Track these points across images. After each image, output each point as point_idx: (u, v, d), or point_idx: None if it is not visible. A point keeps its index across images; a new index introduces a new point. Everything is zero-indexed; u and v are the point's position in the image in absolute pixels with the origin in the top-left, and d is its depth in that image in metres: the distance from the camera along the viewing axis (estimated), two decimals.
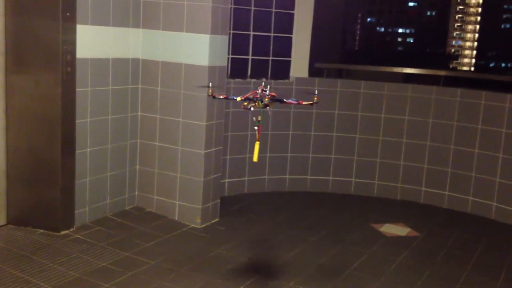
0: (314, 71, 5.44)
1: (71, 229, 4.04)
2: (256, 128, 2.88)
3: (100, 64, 4.11)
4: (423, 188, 5.34)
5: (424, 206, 5.29)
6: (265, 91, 2.80)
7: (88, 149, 4.11)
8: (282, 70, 5.30)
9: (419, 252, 4.17)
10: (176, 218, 4.42)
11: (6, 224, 4.04)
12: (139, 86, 4.46)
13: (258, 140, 2.88)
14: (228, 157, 5.06)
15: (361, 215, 4.94)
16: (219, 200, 4.57)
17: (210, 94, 2.94)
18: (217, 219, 4.51)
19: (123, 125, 4.39)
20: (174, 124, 4.36)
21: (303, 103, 2.84)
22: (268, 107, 2.77)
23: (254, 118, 2.90)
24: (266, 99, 2.76)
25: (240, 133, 5.12)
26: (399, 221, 4.80)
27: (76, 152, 4.01)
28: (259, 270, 3.62)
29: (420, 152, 5.31)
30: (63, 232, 3.98)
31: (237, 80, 5.05)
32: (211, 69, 4.20)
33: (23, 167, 3.99)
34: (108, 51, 4.16)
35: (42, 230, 3.97)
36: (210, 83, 2.99)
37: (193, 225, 4.34)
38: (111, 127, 4.28)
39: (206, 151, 4.28)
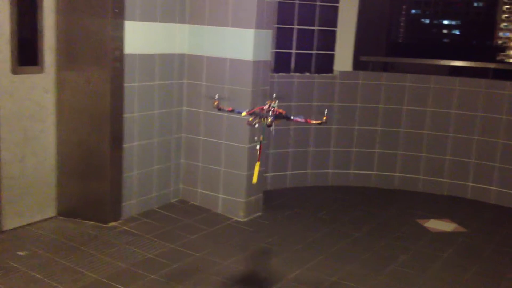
0: (358, 65, 5.38)
1: (119, 221, 4.14)
2: (257, 147, 2.74)
3: (147, 60, 4.19)
4: (471, 184, 5.23)
5: (471, 202, 5.17)
6: (273, 107, 2.62)
7: (135, 143, 4.20)
8: (325, 64, 5.27)
9: (465, 248, 4.09)
10: (220, 211, 4.48)
11: (56, 216, 4.19)
12: (185, 81, 4.53)
13: (258, 160, 2.73)
14: (270, 151, 5.08)
15: (406, 210, 4.88)
16: (262, 194, 4.59)
17: (215, 106, 2.78)
18: (260, 213, 4.54)
19: (168, 120, 4.47)
20: (218, 118, 4.40)
21: (311, 121, 2.72)
22: (271, 127, 2.60)
23: (256, 137, 2.72)
24: (269, 119, 2.58)
25: (282, 127, 5.12)
26: (445, 216, 4.71)
27: (124, 145, 4.11)
28: (302, 264, 3.63)
29: (467, 146, 5.18)
30: (111, 224, 4.09)
31: (281, 74, 5.05)
32: (256, 63, 4.22)
33: (73, 160, 4.11)
34: (155, 46, 4.24)
35: (91, 222, 4.09)
36: (217, 95, 2.81)
37: (236, 219, 4.38)
38: (157, 121, 4.37)
39: (249, 145, 4.31)
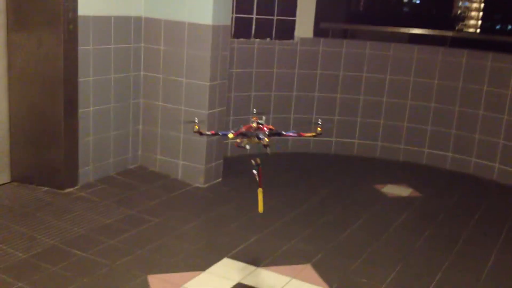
0: (319, 32, 5.37)
1: (75, 187, 4.07)
2: (255, 172, 2.54)
3: (102, 22, 4.05)
4: (426, 150, 5.34)
5: (427, 167, 5.30)
6: (261, 124, 2.40)
7: (91, 108, 4.10)
8: (286, 30, 5.23)
9: (420, 212, 4.20)
10: (179, 178, 4.45)
11: (10, 182, 4.08)
12: (142, 45, 4.42)
13: (260, 187, 2.56)
14: (231, 117, 5.05)
15: (363, 176, 4.96)
16: (222, 161, 4.58)
17: (196, 131, 2.46)
18: (220, 179, 4.54)
19: (125, 85, 4.37)
20: (177, 84, 4.33)
21: (305, 135, 2.53)
22: (267, 148, 2.38)
23: (252, 161, 2.53)
24: (267, 140, 2.35)
25: (243, 93, 5.10)
26: (401, 182, 4.82)
27: (79, 111, 4.00)
28: (262, 229, 3.66)
29: (425, 113, 5.28)
30: (67, 190, 4.01)
31: (241, 39, 4.99)
32: (215, 28, 4.14)
33: (27, 126, 3.99)
34: (111, 8, 4.10)
35: (46, 188, 4.00)
36: (196, 119, 2.48)
37: (196, 185, 4.37)
38: (114, 86, 4.26)
39: (209, 112, 4.27)
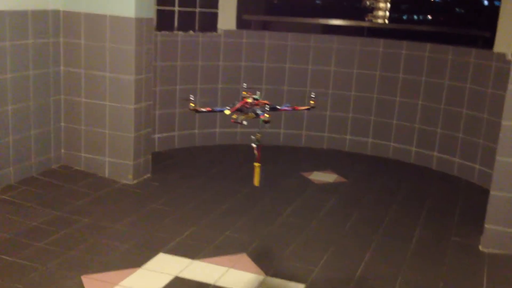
0: (242, 23, 5.40)
1: None
2: (254, 146, 2.54)
3: (18, 16, 3.86)
4: (348, 137, 5.55)
5: (349, 154, 5.51)
6: (257, 99, 2.41)
7: (9, 107, 3.90)
8: (209, 22, 5.23)
9: (347, 197, 4.37)
10: (107, 175, 4.35)
11: None
12: (61, 39, 4.25)
13: (258, 161, 2.57)
14: (157, 111, 4.99)
15: (291, 164, 5.08)
16: (150, 156, 4.52)
17: (192, 108, 2.47)
18: (149, 175, 4.48)
19: (45, 81, 4.20)
20: (100, 79, 4.21)
21: (299, 108, 2.62)
22: (267, 124, 2.38)
23: (252, 136, 2.50)
24: (267, 115, 2.36)
25: (168, 87, 5.04)
26: (326, 168, 4.98)
27: None
28: (195, 222, 3.67)
29: (345, 101, 5.48)
30: None
31: (163, 32, 4.93)
32: (138, 21, 4.07)
33: None
34: (27, 2, 3.92)
35: None
36: (191, 96, 2.47)
37: (125, 182, 4.29)
38: (33, 83, 4.08)
39: (136, 106, 4.19)
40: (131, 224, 3.59)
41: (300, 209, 4.03)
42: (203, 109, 2.60)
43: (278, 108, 2.54)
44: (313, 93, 2.61)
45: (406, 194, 4.51)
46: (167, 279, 2.93)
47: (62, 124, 4.41)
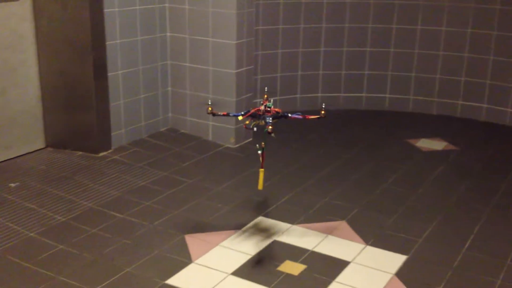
0: None
1: (109, 151, 4.11)
2: (260, 153, 2.72)
3: None
4: (460, 102, 5.21)
5: (461, 120, 5.17)
6: (269, 107, 2.58)
7: (120, 72, 4.09)
8: None
9: (456, 165, 4.12)
10: (210, 139, 4.45)
11: (45, 147, 4.14)
12: (166, 5, 4.35)
13: (262, 167, 2.73)
14: (259, 76, 4.99)
15: (396, 130, 4.88)
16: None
17: (209, 112, 2.70)
18: (250, 139, 4.52)
19: (153, 47, 4.34)
20: (203, 43, 4.27)
21: (309, 117, 2.69)
22: (272, 134, 2.52)
23: (257, 145, 2.73)
24: (270, 127, 2.51)
25: (270, 51, 5.01)
26: (435, 135, 4.72)
27: (108, 74, 4.00)
28: (295, 187, 3.65)
29: (457, 64, 5.12)
30: (101, 154, 4.05)
31: None
32: None
33: (58, 91, 4.01)
34: None
35: (80, 152, 4.05)
36: (209, 101, 2.75)
37: (227, 145, 4.37)
38: (141, 48, 4.23)
39: (237, 71, 4.22)
40: (232, 187, 3.66)
41: (404, 177, 3.87)
42: (220, 113, 2.80)
43: (288, 116, 2.68)
44: (324, 104, 2.73)
45: None
46: (266, 243, 2.96)
47: (169, 88, 4.55)
